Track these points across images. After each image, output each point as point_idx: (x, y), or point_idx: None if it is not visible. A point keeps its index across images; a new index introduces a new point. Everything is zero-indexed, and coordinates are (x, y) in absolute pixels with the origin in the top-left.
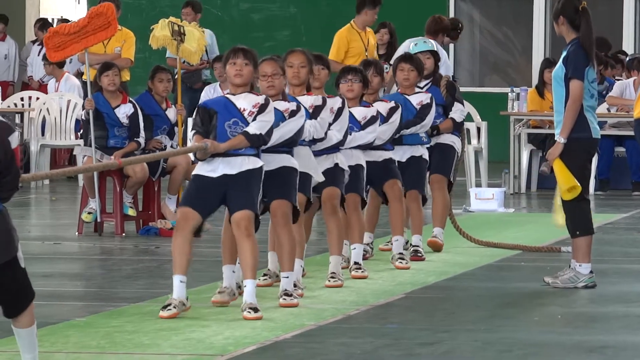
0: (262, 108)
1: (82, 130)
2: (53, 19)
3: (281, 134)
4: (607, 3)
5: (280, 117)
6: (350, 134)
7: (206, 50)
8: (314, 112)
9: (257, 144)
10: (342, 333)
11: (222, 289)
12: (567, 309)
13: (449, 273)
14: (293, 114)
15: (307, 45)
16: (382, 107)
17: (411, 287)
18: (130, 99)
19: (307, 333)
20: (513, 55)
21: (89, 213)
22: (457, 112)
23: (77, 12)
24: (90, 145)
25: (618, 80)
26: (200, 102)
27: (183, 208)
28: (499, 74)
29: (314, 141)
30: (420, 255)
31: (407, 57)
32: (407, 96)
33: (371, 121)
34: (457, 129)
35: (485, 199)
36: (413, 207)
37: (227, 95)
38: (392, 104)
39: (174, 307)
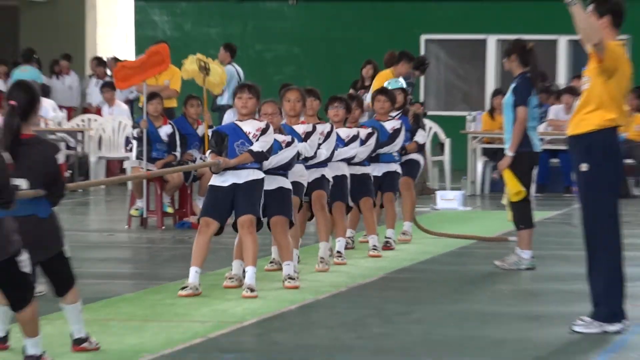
0: (263, 131)
1: (131, 145)
2: (107, 58)
3: (279, 159)
4: (545, 45)
5: (278, 146)
6: (337, 149)
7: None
8: (306, 137)
9: (260, 159)
10: (335, 305)
11: (230, 275)
12: (513, 286)
13: (419, 259)
14: (288, 144)
15: (306, 76)
16: (362, 132)
17: (389, 270)
18: (170, 121)
19: (308, 305)
20: (471, 86)
21: (136, 210)
22: (420, 136)
23: (127, 49)
24: (141, 158)
25: (553, 105)
26: (222, 122)
27: (204, 217)
28: (460, 100)
29: (305, 159)
30: (390, 245)
31: (383, 91)
32: (382, 122)
33: (353, 139)
34: (421, 149)
35: (448, 199)
36: (388, 206)
37: (236, 122)
38: (370, 129)
39: (190, 289)
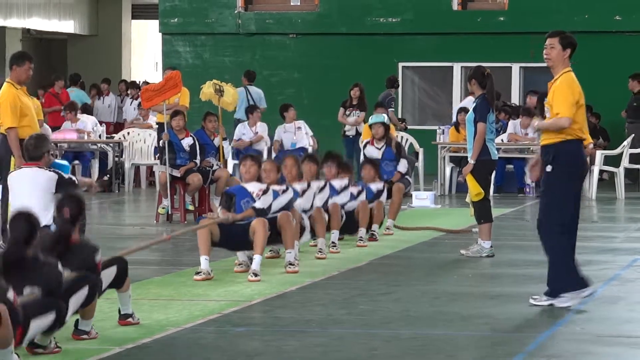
0: (264, 192)
1: (159, 154)
2: (139, 81)
3: (278, 202)
4: (501, 71)
5: (276, 194)
6: (331, 197)
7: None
8: (303, 193)
9: (262, 214)
10: (328, 287)
11: (239, 261)
12: (476, 270)
13: (398, 247)
14: (284, 191)
15: (304, 97)
16: (353, 189)
17: (373, 257)
18: (191, 134)
19: (305, 287)
20: (440, 104)
21: (163, 208)
22: (402, 166)
23: (157, 74)
24: (165, 164)
25: (510, 120)
26: (234, 136)
27: (202, 221)
28: (431, 116)
29: (305, 212)
30: (375, 237)
31: (370, 161)
32: (369, 184)
33: (344, 189)
34: (406, 175)
35: (422, 199)
36: (396, 197)
37: (242, 184)
38: (360, 187)
39: (203, 274)
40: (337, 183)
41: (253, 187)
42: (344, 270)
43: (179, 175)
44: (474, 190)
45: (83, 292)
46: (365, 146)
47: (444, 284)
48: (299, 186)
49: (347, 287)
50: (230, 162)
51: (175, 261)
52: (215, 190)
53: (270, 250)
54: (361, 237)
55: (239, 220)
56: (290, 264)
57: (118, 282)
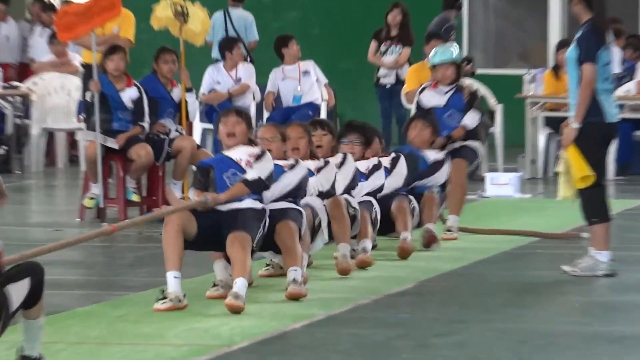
0: (258, 156)
1: (84, 114)
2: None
3: (283, 185)
4: None
5: (280, 171)
6: (358, 183)
7: (237, 34)
8: (318, 172)
9: (258, 189)
10: (352, 323)
11: (217, 279)
12: (586, 297)
13: (464, 260)
14: (292, 167)
15: (314, 24)
16: (384, 160)
17: (424, 275)
18: (136, 82)
19: (317, 323)
20: (529, 36)
21: (91, 199)
22: (470, 119)
23: None
24: (94, 129)
25: None
26: (203, 82)
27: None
28: (515, 56)
29: (322, 195)
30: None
31: (420, 116)
32: (422, 152)
33: (374, 169)
34: (472, 136)
35: (500, 184)
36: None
37: (223, 152)
38: (393, 154)
39: (170, 301)
40: (363, 164)
41: (239, 154)
42: (379, 295)
43: (116, 147)
44: (579, 172)
45: None
46: (422, 91)
47: (535, 319)
48: (313, 164)
49: (383, 323)
50: (198, 127)
51: (110, 283)
52: (174, 172)
53: (267, 266)
54: (450, 227)
55: (223, 202)
56: (294, 282)
57: (30, 301)
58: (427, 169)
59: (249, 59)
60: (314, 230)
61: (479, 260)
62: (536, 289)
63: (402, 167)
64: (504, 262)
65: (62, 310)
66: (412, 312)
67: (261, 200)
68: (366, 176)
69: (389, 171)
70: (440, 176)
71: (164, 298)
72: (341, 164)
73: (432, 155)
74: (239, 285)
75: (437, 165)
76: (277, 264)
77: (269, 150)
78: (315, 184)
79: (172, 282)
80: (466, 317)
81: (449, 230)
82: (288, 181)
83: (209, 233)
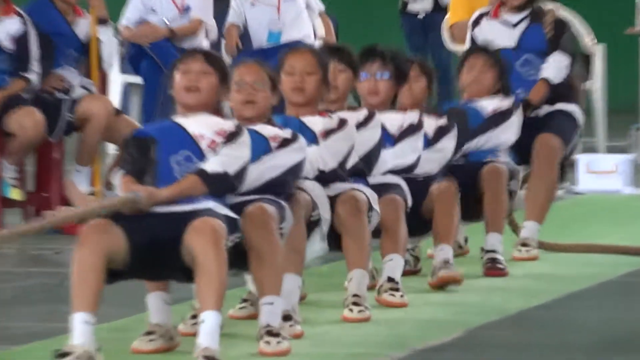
0: (230, 137)
1: None
2: None
3: (260, 171)
4: None
5: (263, 146)
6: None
7: None
8: (327, 137)
9: (220, 188)
10: None
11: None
12: None
13: (542, 295)
14: (285, 143)
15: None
16: (429, 121)
17: (479, 320)
18: (19, 9)
19: None
20: None
21: None
22: (552, 67)
23: None
24: None
25: None
26: (127, 8)
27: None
28: None
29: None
30: (501, 266)
31: (479, 49)
32: (476, 102)
33: (408, 132)
34: (564, 97)
35: (602, 172)
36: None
37: (176, 119)
38: (444, 120)
39: (77, 358)
40: (395, 121)
41: (201, 126)
42: (406, 351)
43: None
44: None
45: None
46: (476, 23)
47: None
48: (319, 123)
49: None
50: (118, 80)
51: None
52: (78, 154)
53: (244, 302)
54: (526, 240)
55: (164, 201)
56: (270, 335)
57: None
58: (482, 123)
59: None
60: (309, 228)
61: (565, 296)
62: None
63: (447, 146)
64: (606, 298)
65: None
66: None
67: (225, 202)
68: (394, 140)
69: (428, 142)
70: (506, 133)
71: (66, 354)
72: (361, 125)
73: (490, 104)
74: (209, 325)
75: (500, 117)
76: (256, 297)
77: (251, 102)
78: (317, 157)
79: (79, 328)
80: None
81: (524, 245)
82: (271, 165)
83: (146, 253)
